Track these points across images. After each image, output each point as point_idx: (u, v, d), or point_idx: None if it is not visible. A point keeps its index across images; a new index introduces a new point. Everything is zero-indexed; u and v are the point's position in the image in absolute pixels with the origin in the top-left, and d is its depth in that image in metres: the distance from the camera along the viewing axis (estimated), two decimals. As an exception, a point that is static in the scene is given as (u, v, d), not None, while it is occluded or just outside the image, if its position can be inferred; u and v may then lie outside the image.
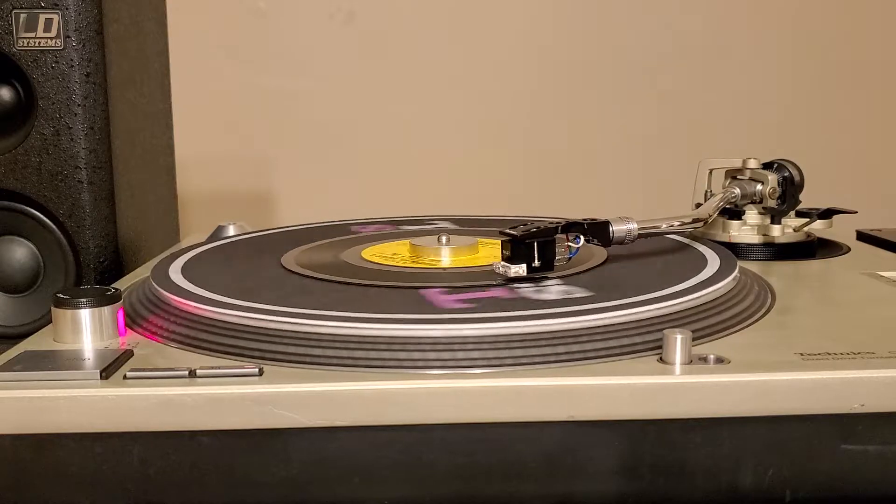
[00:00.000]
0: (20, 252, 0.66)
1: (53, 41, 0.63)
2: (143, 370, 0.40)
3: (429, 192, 1.14)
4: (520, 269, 0.50)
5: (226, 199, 1.14)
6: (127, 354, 0.42)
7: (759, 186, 0.64)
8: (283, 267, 0.56)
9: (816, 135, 1.17)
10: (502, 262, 0.50)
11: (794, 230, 0.66)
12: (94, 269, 0.65)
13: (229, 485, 0.39)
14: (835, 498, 0.40)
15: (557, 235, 0.51)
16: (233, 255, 0.61)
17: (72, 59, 0.63)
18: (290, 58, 1.12)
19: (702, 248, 0.59)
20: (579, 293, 0.48)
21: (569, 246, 0.52)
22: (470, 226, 0.70)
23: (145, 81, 0.74)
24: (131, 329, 0.47)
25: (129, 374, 0.40)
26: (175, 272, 0.54)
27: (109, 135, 0.65)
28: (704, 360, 0.41)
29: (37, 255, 0.66)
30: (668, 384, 0.39)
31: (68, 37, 0.63)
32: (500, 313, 0.43)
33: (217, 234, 0.71)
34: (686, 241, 0.62)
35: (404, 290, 0.50)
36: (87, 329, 0.45)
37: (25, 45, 0.63)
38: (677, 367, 0.40)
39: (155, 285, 0.51)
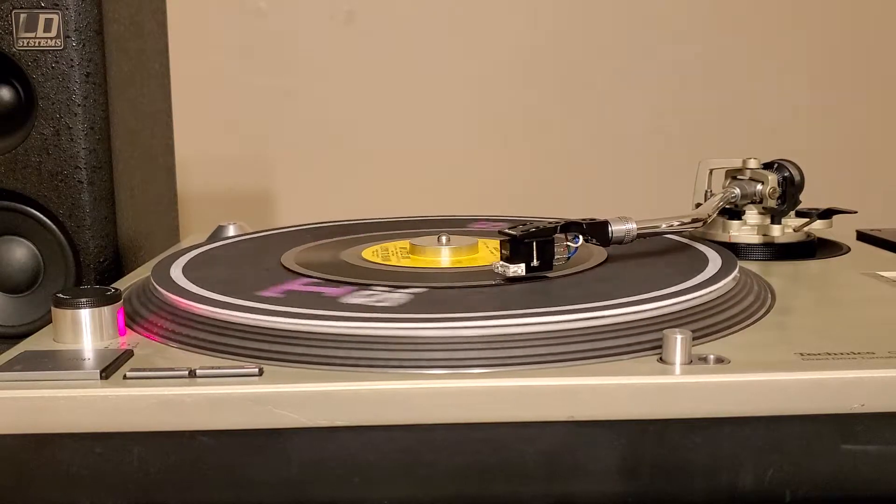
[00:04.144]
0: (20, 252, 0.66)
1: (53, 41, 0.63)
2: (143, 370, 0.40)
3: (429, 192, 1.14)
4: (518, 269, 0.50)
5: (226, 199, 1.14)
6: (127, 354, 0.42)
7: (759, 186, 0.64)
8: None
9: (816, 135, 1.17)
10: (501, 262, 0.50)
11: (794, 230, 0.66)
12: (94, 269, 0.65)
13: (229, 485, 0.39)
14: (835, 498, 0.40)
15: (556, 235, 0.51)
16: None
17: (72, 59, 0.63)
18: (291, 58, 1.12)
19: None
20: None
21: (567, 246, 0.52)
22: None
23: (145, 81, 0.74)
24: (131, 329, 0.47)
25: (129, 374, 0.40)
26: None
27: (109, 135, 0.65)
28: (704, 360, 0.41)
29: (37, 255, 0.66)
30: (668, 384, 0.39)
31: (68, 37, 0.63)
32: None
33: (217, 234, 0.71)
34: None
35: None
36: (87, 329, 0.45)
37: (25, 45, 0.63)
38: (677, 367, 0.40)
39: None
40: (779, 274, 0.60)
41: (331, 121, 1.14)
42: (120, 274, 0.66)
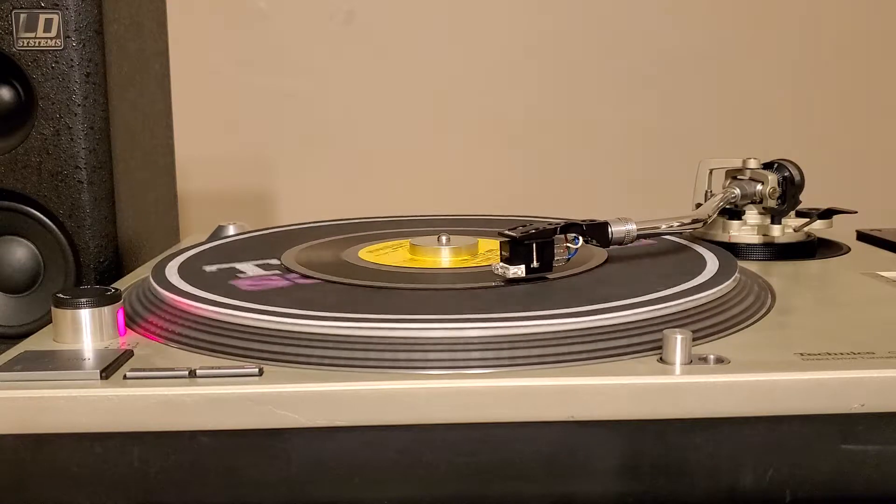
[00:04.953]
0: (20, 252, 0.66)
1: (53, 41, 0.63)
2: (143, 370, 0.40)
3: (429, 192, 1.14)
4: (518, 270, 0.50)
5: (226, 199, 1.14)
6: (127, 354, 0.42)
7: (759, 186, 0.64)
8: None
9: (816, 135, 1.17)
10: (501, 263, 0.50)
11: (795, 230, 0.66)
12: (94, 269, 0.65)
13: (229, 485, 0.39)
14: (835, 498, 0.40)
15: (556, 236, 0.51)
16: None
17: (72, 59, 0.63)
18: (290, 58, 1.12)
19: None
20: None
21: (567, 247, 0.52)
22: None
23: (145, 81, 0.74)
24: (131, 329, 0.47)
25: (129, 374, 0.40)
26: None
27: (109, 135, 0.65)
28: (704, 360, 0.41)
29: (37, 255, 0.66)
30: (668, 384, 0.39)
31: (68, 37, 0.63)
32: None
33: (217, 234, 0.71)
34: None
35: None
36: (87, 329, 0.45)
37: (25, 45, 0.63)
38: (677, 367, 0.40)
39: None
40: (779, 274, 0.60)
41: (331, 121, 1.14)
42: (120, 274, 0.66)
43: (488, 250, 0.59)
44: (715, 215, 0.62)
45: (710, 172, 0.68)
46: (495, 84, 1.15)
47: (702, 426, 0.39)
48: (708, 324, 0.45)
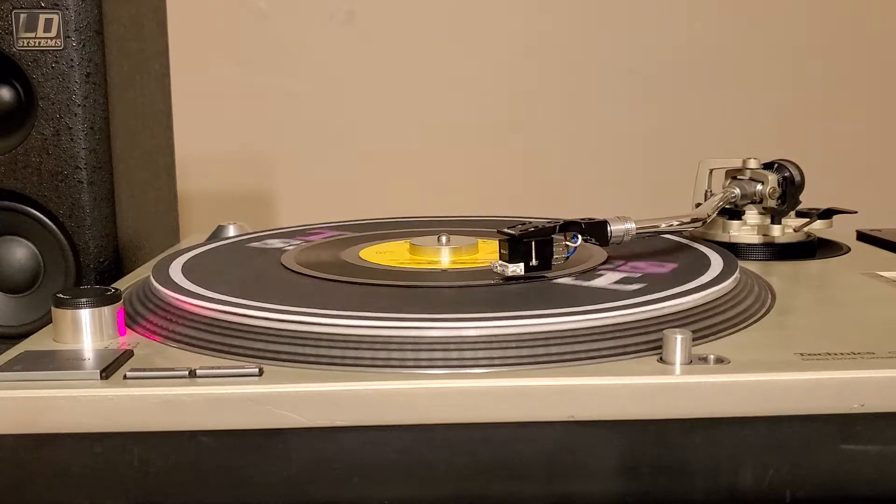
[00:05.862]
0: (20, 252, 0.66)
1: (53, 41, 0.63)
2: (143, 370, 0.40)
3: (429, 192, 1.14)
4: (517, 269, 0.50)
5: (226, 199, 1.14)
6: (127, 354, 0.42)
7: (759, 186, 0.64)
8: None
9: (816, 135, 1.17)
10: (500, 262, 0.50)
11: (795, 230, 0.66)
12: (94, 269, 0.65)
13: (229, 485, 0.39)
14: (835, 498, 0.40)
15: (555, 235, 0.51)
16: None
17: (72, 59, 0.63)
18: (290, 58, 1.12)
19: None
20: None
21: (566, 245, 0.52)
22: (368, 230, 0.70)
23: (145, 81, 0.74)
24: (131, 329, 0.47)
25: (129, 374, 0.40)
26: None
27: (109, 135, 0.65)
28: (704, 360, 0.41)
29: (37, 255, 0.66)
30: (668, 384, 0.39)
31: (68, 37, 0.63)
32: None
33: (217, 234, 0.71)
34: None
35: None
36: (87, 329, 0.45)
37: (25, 45, 0.63)
38: (677, 367, 0.40)
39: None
40: (779, 274, 0.60)
41: (331, 121, 1.14)
42: (120, 274, 0.66)
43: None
44: (714, 215, 0.62)
45: (710, 172, 0.69)
46: (496, 84, 1.15)
47: (702, 426, 0.39)
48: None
